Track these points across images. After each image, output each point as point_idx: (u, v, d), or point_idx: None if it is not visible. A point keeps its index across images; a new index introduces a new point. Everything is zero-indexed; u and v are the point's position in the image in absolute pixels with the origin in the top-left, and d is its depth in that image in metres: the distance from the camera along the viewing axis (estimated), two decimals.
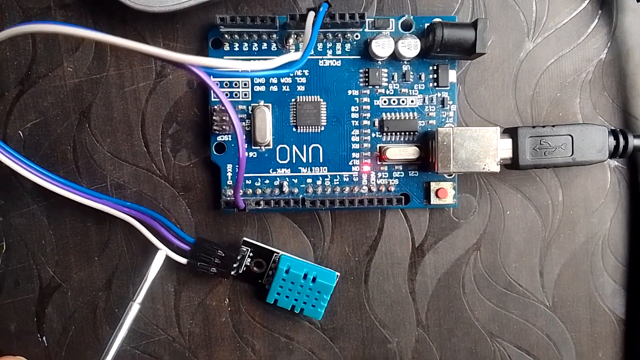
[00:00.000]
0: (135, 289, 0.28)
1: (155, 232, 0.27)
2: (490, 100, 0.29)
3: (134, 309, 0.27)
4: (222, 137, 0.27)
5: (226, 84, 0.27)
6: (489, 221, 0.29)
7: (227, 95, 0.27)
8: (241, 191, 0.27)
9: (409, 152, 0.27)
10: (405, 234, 0.29)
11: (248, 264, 0.28)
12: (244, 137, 0.25)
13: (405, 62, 0.27)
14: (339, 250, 0.29)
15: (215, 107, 0.27)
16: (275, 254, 0.28)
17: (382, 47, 0.26)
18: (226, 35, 0.27)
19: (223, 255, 0.27)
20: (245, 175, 0.28)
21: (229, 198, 0.27)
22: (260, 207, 0.27)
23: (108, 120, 0.28)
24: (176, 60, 0.19)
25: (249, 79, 0.27)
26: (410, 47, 0.26)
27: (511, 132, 0.27)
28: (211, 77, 0.20)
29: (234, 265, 0.28)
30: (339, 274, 0.28)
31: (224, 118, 0.27)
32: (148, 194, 0.28)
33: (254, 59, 0.27)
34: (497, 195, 0.29)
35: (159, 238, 0.27)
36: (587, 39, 0.29)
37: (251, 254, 0.28)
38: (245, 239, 0.28)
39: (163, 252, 0.27)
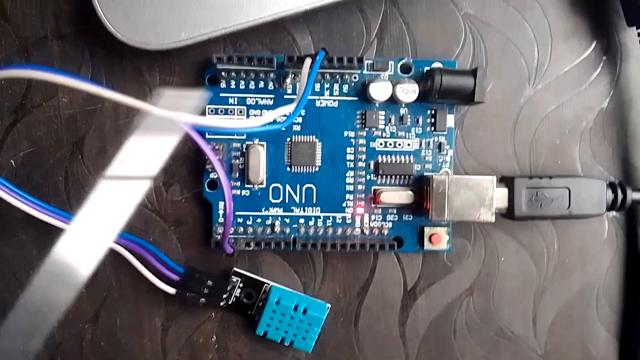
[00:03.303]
0: (123, 322, 0.28)
1: (145, 261, 0.27)
2: (489, 145, 0.28)
3: None
4: (215, 174, 0.27)
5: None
6: (482, 266, 0.29)
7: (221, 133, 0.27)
8: (231, 236, 0.27)
9: (404, 196, 0.27)
10: (397, 276, 0.29)
11: (238, 294, 0.28)
12: (231, 195, 0.25)
13: (403, 105, 0.27)
14: (330, 291, 0.29)
15: (210, 144, 0.27)
16: (265, 284, 0.28)
17: (379, 90, 0.26)
18: (223, 73, 0.26)
19: (212, 285, 0.27)
20: (237, 213, 0.27)
21: (219, 237, 0.27)
22: (250, 249, 0.26)
23: (101, 152, 0.28)
24: (164, 117, 0.18)
25: (244, 117, 0.27)
26: (408, 92, 0.26)
27: (507, 182, 0.26)
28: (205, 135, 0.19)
29: (224, 296, 0.27)
30: (329, 305, 0.28)
31: (219, 158, 0.27)
32: (138, 227, 0.28)
33: (251, 97, 0.27)
34: (492, 241, 0.29)
35: (148, 268, 0.27)
36: (589, 87, 0.28)
37: (241, 285, 0.28)
38: (235, 269, 0.28)
39: None
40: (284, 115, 0.24)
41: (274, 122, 0.23)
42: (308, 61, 0.23)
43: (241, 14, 0.25)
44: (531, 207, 0.26)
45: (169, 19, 0.24)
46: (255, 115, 0.27)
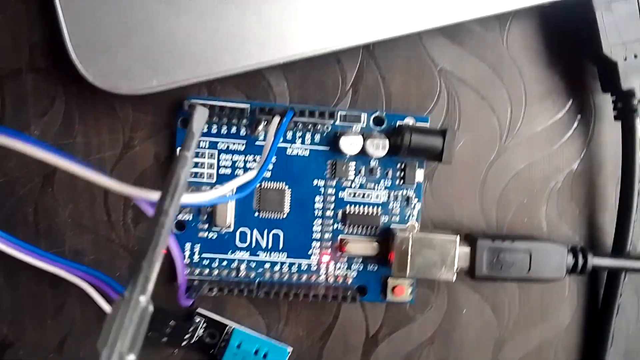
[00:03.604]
0: (87, 354, 0.29)
1: (109, 298, 0.27)
2: (457, 200, 0.29)
3: None
4: (182, 216, 0.27)
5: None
6: (444, 317, 0.29)
7: (192, 175, 0.27)
8: (195, 277, 0.27)
9: (369, 248, 0.27)
10: (360, 322, 0.29)
11: (201, 334, 0.28)
12: (183, 265, 0.26)
13: (374, 158, 0.27)
14: (293, 333, 0.29)
15: None
16: (228, 326, 0.28)
17: (350, 145, 0.26)
18: None
19: (175, 324, 0.27)
20: (203, 255, 0.28)
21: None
22: (213, 294, 0.27)
23: (71, 186, 0.28)
24: (121, 193, 0.19)
25: (214, 161, 0.27)
26: (379, 147, 0.26)
27: (471, 241, 0.26)
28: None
29: (185, 336, 0.28)
30: (291, 349, 0.29)
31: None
32: (106, 262, 0.28)
33: (222, 142, 0.27)
34: (455, 293, 0.29)
35: (112, 305, 0.27)
36: (560, 148, 0.28)
37: (204, 325, 0.28)
38: (199, 310, 0.28)
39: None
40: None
41: (239, 189, 0.23)
42: (275, 121, 0.23)
43: (215, 64, 0.24)
44: (492, 269, 0.26)
45: (141, 65, 0.24)
46: (225, 165, 0.27)
